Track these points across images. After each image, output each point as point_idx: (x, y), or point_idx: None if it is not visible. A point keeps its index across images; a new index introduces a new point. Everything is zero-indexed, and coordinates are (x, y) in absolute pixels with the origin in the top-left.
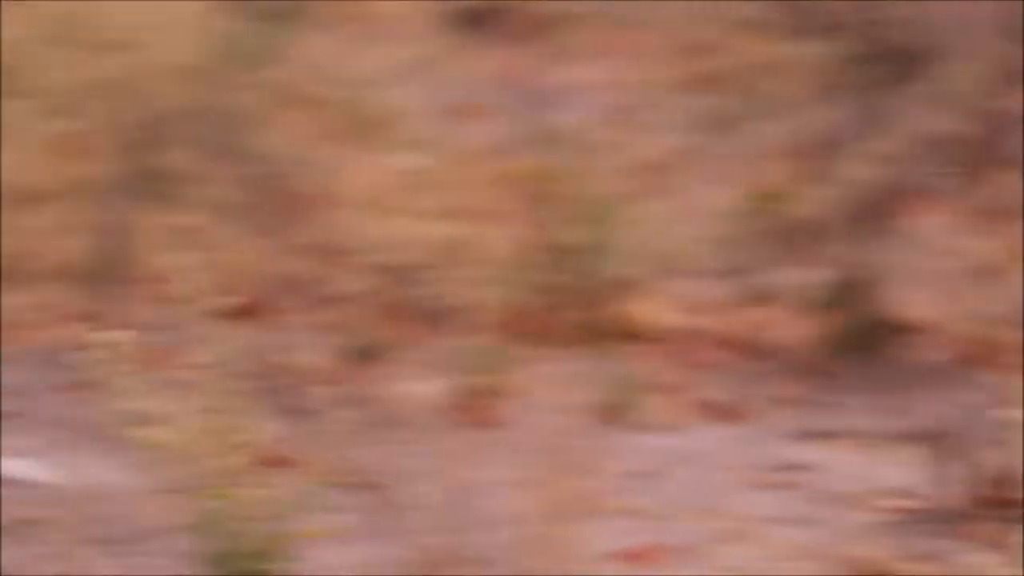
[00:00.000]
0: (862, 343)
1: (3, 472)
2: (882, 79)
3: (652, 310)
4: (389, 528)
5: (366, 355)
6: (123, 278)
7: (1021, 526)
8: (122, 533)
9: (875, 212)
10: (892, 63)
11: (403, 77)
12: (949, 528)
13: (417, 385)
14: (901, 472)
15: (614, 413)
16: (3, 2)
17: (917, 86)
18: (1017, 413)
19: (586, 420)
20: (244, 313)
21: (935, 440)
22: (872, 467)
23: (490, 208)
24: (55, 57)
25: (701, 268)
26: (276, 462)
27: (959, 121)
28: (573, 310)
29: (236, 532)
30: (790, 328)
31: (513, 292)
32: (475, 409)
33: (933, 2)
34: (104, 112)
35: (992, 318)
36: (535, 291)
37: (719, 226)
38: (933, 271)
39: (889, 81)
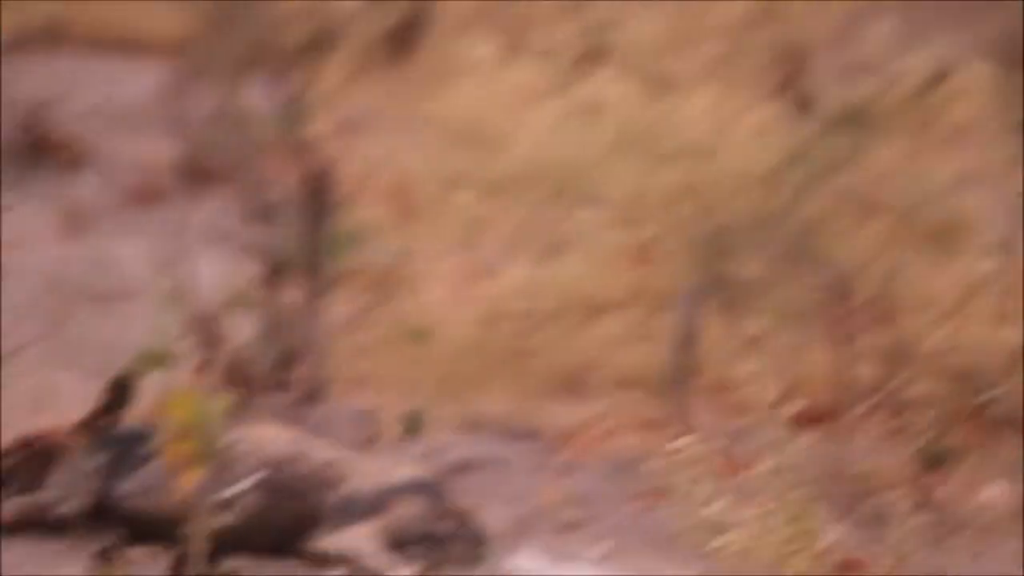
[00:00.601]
0: None
1: None
2: None
3: None
4: None
5: (936, 461)
6: (691, 386)
7: None
8: None
9: None
10: None
11: (974, 183)
12: None
13: (988, 490)
14: None
15: None
16: None
17: None
18: None
19: None
20: (813, 419)
21: None
22: None
23: None
24: (623, 166)
25: None
26: (846, 567)
27: None
28: None
29: None
30: None
31: None
32: None
33: None
34: (673, 220)
35: None
36: None
37: None
38: None
39: None
